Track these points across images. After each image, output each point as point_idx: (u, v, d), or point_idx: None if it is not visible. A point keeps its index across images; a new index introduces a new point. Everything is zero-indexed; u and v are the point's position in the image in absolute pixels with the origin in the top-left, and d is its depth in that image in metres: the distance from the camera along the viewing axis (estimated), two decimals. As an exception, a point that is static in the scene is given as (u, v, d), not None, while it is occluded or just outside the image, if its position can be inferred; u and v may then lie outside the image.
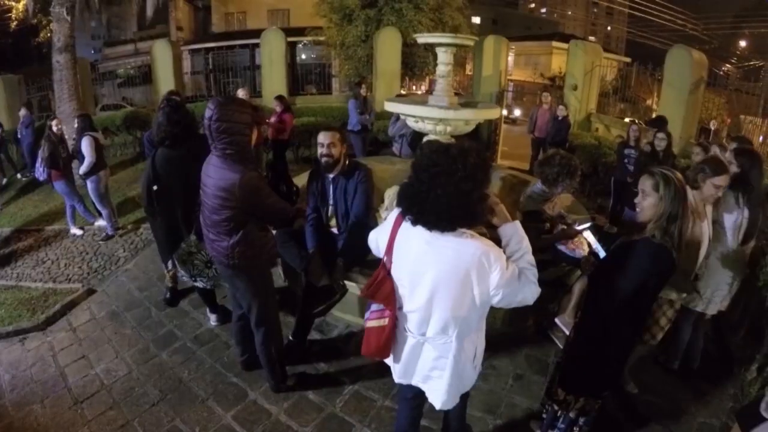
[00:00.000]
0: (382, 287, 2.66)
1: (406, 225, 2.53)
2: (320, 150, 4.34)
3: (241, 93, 8.54)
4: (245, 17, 35.44)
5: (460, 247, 2.37)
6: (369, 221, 4.47)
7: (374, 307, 2.75)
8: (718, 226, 4.22)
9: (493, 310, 2.78)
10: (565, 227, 4.59)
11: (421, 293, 2.51)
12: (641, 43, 42.38)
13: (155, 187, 4.53)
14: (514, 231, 2.55)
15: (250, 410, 4.01)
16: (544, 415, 3.69)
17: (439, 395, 2.80)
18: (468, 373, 2.81)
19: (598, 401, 3.39)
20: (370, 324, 2.76)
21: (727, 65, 34.64)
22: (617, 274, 2.89)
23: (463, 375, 2.77)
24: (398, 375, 2.90)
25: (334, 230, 4.66)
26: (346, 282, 4.56)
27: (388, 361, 2.92)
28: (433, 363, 2.72)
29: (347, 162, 4.49)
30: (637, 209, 2.94)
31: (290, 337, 4.63)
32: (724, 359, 4.80)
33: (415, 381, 2.86)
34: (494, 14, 51.96)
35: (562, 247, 4.34)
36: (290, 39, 16.34)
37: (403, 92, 15.50)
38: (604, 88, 16.61)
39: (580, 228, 4.18)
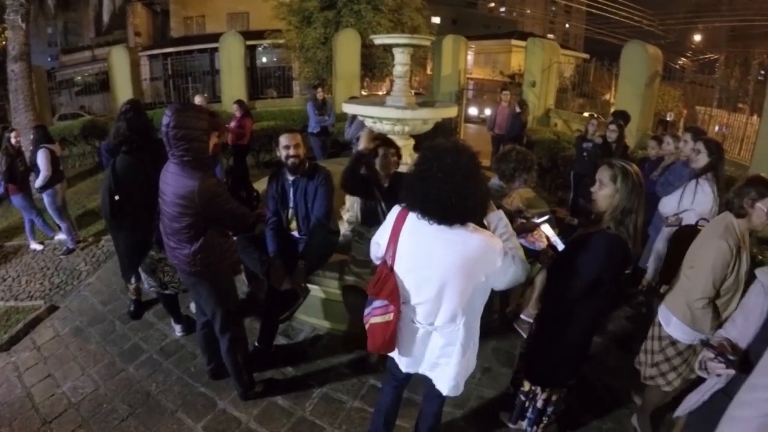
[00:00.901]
0: (386, 284, 2.72)
1: (412, 220, 2.61)
2: (285, 152, 4.32)
3: (198, 99, 8.45)
4: (204, 21, 34.91)
5: (467, 240, 2.49)
6: (330, 223, 4.50)
7: (377, 303, 2.78)
8: (692, 213, 4.42)
9: None
10: (524, 221, 4.66)
11: (431, 286, 2.61)
12: (599, 40, 43.01)
13: (116, 197, 4.39)
14: (499, 218, 2.73)
15: (220, 419, 3.97)
16: (511, 408, 3.77)
17: (446, 381, 2.90)
18: (472, 356, 2.96)
19: (563, 390, 3.49)
20: (374, 320, 2.80)
21: (683, 59, 35.32)
22: (574, 266, 2.96)
23: (469, 359, 2.92)
24: (405, 366, 2.99)
25: (295, 233, 4.64)
26: (309, 285, 4.58)
27: (393, 354, 2.99)
28: (441, 351, 2.82)
29: (307, 164, 4.49)
30: (593, 198, 3.01)
31: (256, 344, 4.61)
32: None
33: (423, 369, 2.96)
34: (454, 14, 52.10)
35: (522, 241, 4.43)
36: (250, 42, 16.20)
37: (364, 93, 15.54)
38: (562, 84, 16.88)
39: (538, 221, 4.26)
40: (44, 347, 5.00)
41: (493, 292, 2.81)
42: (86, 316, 5.48)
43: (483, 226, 2.65)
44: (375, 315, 2.78)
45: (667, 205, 4.56)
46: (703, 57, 35.39)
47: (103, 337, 5.05)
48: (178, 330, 5.04)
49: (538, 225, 4.28)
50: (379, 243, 2.83)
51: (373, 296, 2.80)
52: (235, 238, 4.41)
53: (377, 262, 2.90)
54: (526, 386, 3.51)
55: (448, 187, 2.38)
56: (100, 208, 4.52)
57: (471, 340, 2.87)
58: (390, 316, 2.72)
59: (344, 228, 5.54)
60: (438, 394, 3.12)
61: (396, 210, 2.72)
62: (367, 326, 2.84)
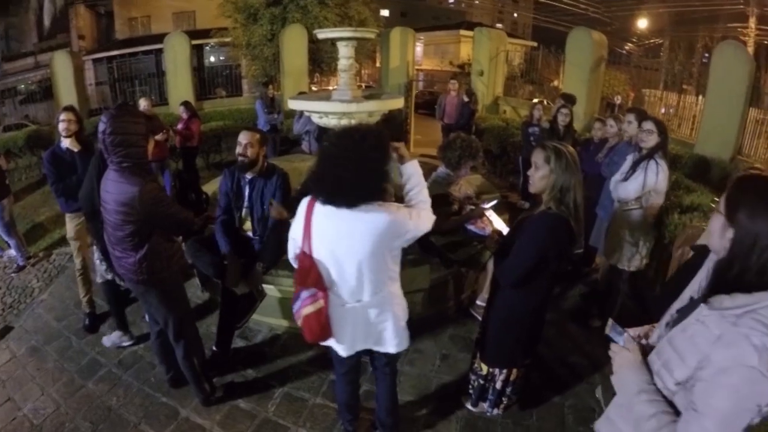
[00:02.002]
0: (310, 273, 2.76)
1: (319, 208, 2.68)
2: (238, 149, 4.27)
3: (143, 103, 8.22)
4: (150, 21, 34.16)
5: (374, 218, 2.57)
6: (286, 225, 4.46)
7: (305, 294, 2.79)
8: (653, 192, 4.55)
9: (412, 296, 2.95)
10: (473, 207, 4.70)
11: (349, 268, 2.71)
12: (547, 28, 43.54)
13: None
14: (414, 169, 2.87)
15: (183, 428, 3.91)
16: (471, 391, 3.83)
17: (390, 342, 3.02)
18: (404, 306, 3.07)
19: (521, 370, 3.57)
20: (307, 311, 2.79)
21: (629, 44, 36.03)
22: (518, 247, 3.02)
23: (402, 311, 3.04)
24: (345, 350, 3.03)
25: (249, 234, 4.56)
26: (265, 285, 4.55)
27: (330, 343, 3.03)
28: (377, 319, 2.93)
29: (265, 164, 4.43)
30: (530, 181, 3.08)
31: (214, 348, 4.55)
32: (643, 314, 5.11)
33: (364, 345, 3.04)
34: (403, 7, 52.24)
35: (471, 227, 4.47)
36: (196, 42, 15.95)
37: (314, 89, 15.46)
38: (511, 72, 17.07)
39: (485, 206, 4.30)
40: (1, 370, 4.83)
41: (446, 282, 2.86)
42: (41, 334, 5.30)
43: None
44: (306, 305, 2.80)
45: (630, 190, 4.63)
46: (649, 42, 36.17)
47: (60, 355, 4.90)
48: (126, 340, 4.88)
49: (484, 210, 4.33)
50: (294, 238, 2.89)
51: (300, 285, 2.81)
52: (185, 242, 4.36)
53: (294, 262, 2.96)
54: (484, 369, 3.57)
55: (339, 171, 2.48)
56: (84, 203, 4.32)
57: (399, 298, 3.02)
58: (321, 303, 2.77)
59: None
60: (386, 372, 3.30)
61: (305, 200, 2.78)
62: (300, 321, 2.85)
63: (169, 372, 4.22)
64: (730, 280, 1.57)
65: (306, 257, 2.79)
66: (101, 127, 3.14)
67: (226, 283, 4.28)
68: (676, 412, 1.72)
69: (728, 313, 1.57)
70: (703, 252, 2.72)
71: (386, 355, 3.15)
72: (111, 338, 4.82)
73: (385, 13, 42.67)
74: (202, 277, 5.10)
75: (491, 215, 4.05)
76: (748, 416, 1.52)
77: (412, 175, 2.87)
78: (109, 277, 4.65)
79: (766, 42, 27.09)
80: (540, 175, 2.97)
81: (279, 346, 4.83)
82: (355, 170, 2.47)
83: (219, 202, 4.59)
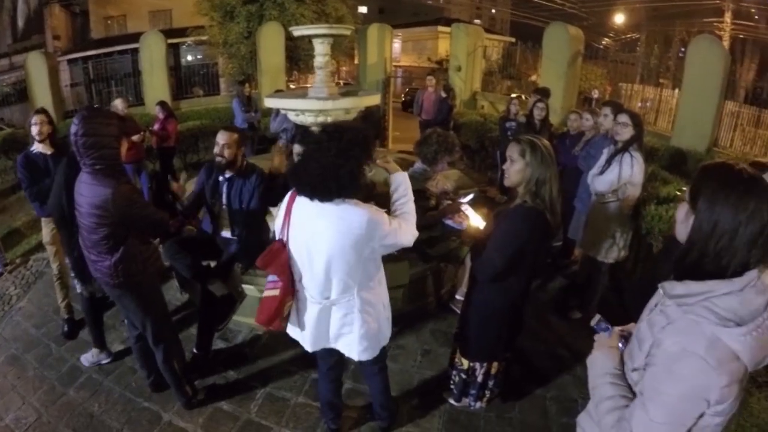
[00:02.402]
0: (277, 258, 2.83)
1: (299, 199, 2.74)
2: (215, 149, 4.24)
3: (119, 103, 8.12)
4: (126, 20, 33.52)
5: (347, 215, 2.60)
6: (264, 224, 4.44)
7: (271, 278, 2.91)
8: (629, 185, 4.60)
9: (392, 292, 2.98)
10: (450, 202, 4.71)
11: (319, 262, 2.73)
12: (525, 24, 43.61)
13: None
14: (403, 179, 2.92)
15: (167, 432, 3.90)
16: (453, 386, 3.84)
17: (354, 347, 3.03)
18: (382, 322, 3.08)
19: (502, 363, 3.59)
20: (267, 294, 2.92)
21: (606, 39, 36.32)
22: (494, 241, 3.03)
23: (378, 324, 3.04)
24: (310, 344, 3.08)
25: (226, 234, 4.51)
26: (244, 286, 4.53)
27: (296, 334, 3.11)
28: (341, 321, 2.95)
29: (244, 164, 4.38)
30: (506, 175, 3.09)
31: (194, 350, 4.51)
32: (623, 305, 5.18)
33: (329, 344, 3.08)
34: (381, 3, 52.18)
35: (449, 222, 4.49)
36: (172, 41, 15.82)
37: (292, 87, 15.40)
38: (489, 67, 17.13)
39: (462, 201, 4.31)
40: (-18, 381, 4.77)
41: (426, 277, 2.89)
42: (21, 342, 5.21)
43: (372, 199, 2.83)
44: (269, 288, 2.91)
45: (605, 182, 4.68)
46: (625, 37, 36.49)
47: (40, 363, 4.81)
48: (88, 359, 4.72)
49: (461, 205, 4.34)
50: (277, 226, 2.95)
51: (261, 268, 2.89)
52: (162, 244, 4.32)
53: None
54: (465, 364, 3.58)
55: (312, 164, 2.54)
56: (52, 210, 4.24)
57: (371, 307, 2.97)
58: (277, 292, 2.84)
59: (273, 225, 5.48)
60: (374, 370, 3.34)
61: (290, 192, 2.85)
62: (261, 299, 2.95)
63: (150, 376, 4.17)
64: (688, 266, 1.56)
65: (278, 243, 2.87)
66: (73, 129, 3.10)
67: (209, 286, 4.26)
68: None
69: (682, 301, 1.56)
70: (673, 242, 2.76)
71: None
72: (88, 357, 4.72)
73: (363, 9, 42.55)
74: (180, 279, 5.04)
75: (468, 210, 4.06)
76: (695, 408, 1.51)
77: (400, 185, 2.91)
78: (86, 294, 4.60)
79: (741, 36, 27.50)
80: (515, 168, 2.98)
81: (260, 347, 4.81)
82: (326, 163, 2.52)
83: (194, 189, 4.55)
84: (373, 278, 2.95)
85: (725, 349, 1.46)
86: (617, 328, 2.16)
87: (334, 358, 3.28)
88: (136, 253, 3.46)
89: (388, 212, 2.82)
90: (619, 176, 4.57)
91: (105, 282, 3.52)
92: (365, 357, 3.08)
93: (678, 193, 2.34)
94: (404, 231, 2.76)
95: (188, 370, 4.11)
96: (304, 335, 3.07)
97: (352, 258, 2.71)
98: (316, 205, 2.61)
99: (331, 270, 2.74)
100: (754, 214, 1.44)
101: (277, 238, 2.95)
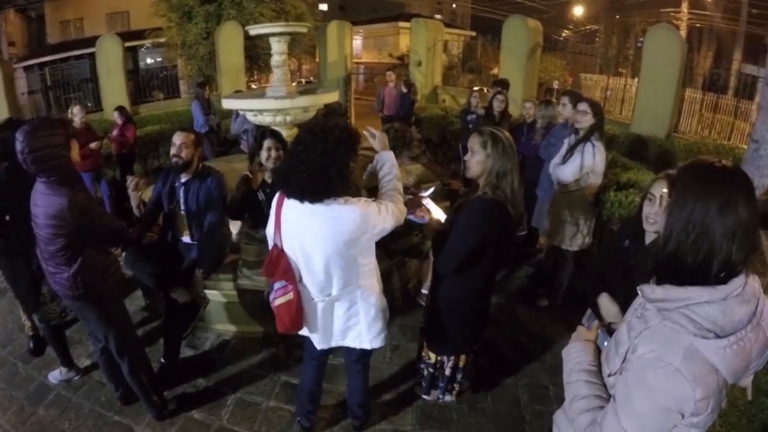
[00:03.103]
0: (279, 264, 2.81)
1: (287, 202, 2.72)
2: (171, 150, 4.14)
3: (76, 111, 7.85)
4: (83, 24, 32.70)
5: (339, 213, 2.59)
6: (224, 228, 4.37)
7: (277, 285, 2.87)
8: (591, 173, 4.67)
9: None
10: (411, 197, 4.71)
11: (317, 262, 2.74)
12: (485, 17, 43.88)
13: (7, 218, 4.02)
14: (388, 157, 3.01)
15: (138, 445, 3.81)
16: (421, 380, 3.84)
17: (364, 337, 3.07)
18: (382, 302, 3.10)
19: (469, 356, 3.59)
20: (278, 302, 2.87)
21: (566, 31, 36.74)
22: (455, 234, 3.04)
23: (379, 305, 3.05)
24: (319, 342, 3.11)
25: (186, 239, 4.42)
26: (207, 291, 4.47)
27: (305, 332, 3.10)
28: (347, 314, 2.99)
29: (200, 167, 4.30)
30: (467, 166, 3.09)
31: (162, 360, 4.43)
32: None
33: (336, 341, 3.11)
34: (342, 0, 52.10)
35: (410, 216, 4.48)
36: (131, 43, 15.57)
37: (254, 87, 15.28)
38: (451, 61, 17.22)
39: (423, 194, 4.31)
40: (-52, 404, 4.62)
41: (391, 272, 2.89)
42: (-14, 362, 5.09)
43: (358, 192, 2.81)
44: (278, 297, 2.87)
45: (568, 173, 4.71)
46: (585, 28, 36.97)
47: (7, 382, 4.66)
48: (55, 377, 4.57)
49: (421, 199, 4.34)
50: (269, 232, 2.92)
51: (267, 276, 2.91)
52: (124, 253, 4.23)
53: None
54: (432, 358, 3.58)
55: (303, 166, 2.51)
56: None
57: (372, 292, 3.01)
58: (291, 295, 2.84)
59: (235, 229, 5.40)
60: (357, 368, 3.37)
61: (277, 195, 2.81)
62: (274, 309, 2.91)
63: (118, 389, 4.07)
64: (668, 264, 1.49)
65: (275, 248, 2.84)
66: (18, 146, 3.00)
67: (172, 293, 4.18)
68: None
69: (661, 306, 1.50)
70: (627, 234, 2.80)
71: (360, 350, 3.18)
72: (56, 375, 4.59)
73: (323, 7, 42.42)
74: (144, 287, 4.94)
75: (429, 204, 4.05)
76: (668, 420, 1.46)
77: (386, 162, 3.00)
78: (38, 323, 4.49)
79: (698, 25, 28.04)
80: (476, 160, 2.99)
81: (228, 352, 4.74)
82: (313, 165, 2.52)
83: (148, 204, 4.43)
84: (370, 264, 2.98)
85: (703, 361, 1.40)
86: (597, 322, 2.15)
87: (325, 353, 3.30)
88: (94, 264, 3.38)
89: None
90: (581, 165, 4.61)
91: (65, 294, 3.43)
92: (377, 344, 3.10)
93: (650, 195, 2.31)
94: (391, 213, 2.78)
95: (157, 381, 4.03)
96: (312, 334, 3.10)
97: (349, 253, 2.74)
98: (307, 206, 2.60)
99: (330, 268, 2.76)
100: (727, 205, 1.38)
101: (270, 244, 2.93)
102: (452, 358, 3.53)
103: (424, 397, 3.91)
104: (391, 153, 3.00)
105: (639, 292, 1.60)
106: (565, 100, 5.47)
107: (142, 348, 4.01)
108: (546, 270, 5.54)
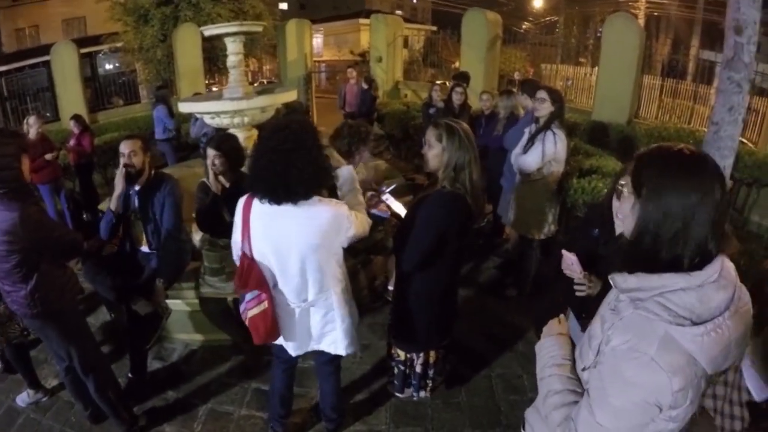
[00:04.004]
0: (252, 274, 2.74)
1: (258, 206, 2.65)
2: (122, 160, 3.96)
3: (32, 121, 7.62)
4: (38, 31, 32.06)
5: (314, 214, 2.59)
6: (182, 235, 4.26)
7: (249, 296, 2.78)
8: (553, 162, 4.67)
9: None
10: (373, 193, 4.69)
11: (292, 264, 2.70)
12: (445, 12, 44.07)
13: None
14: (348, 172, 3.06)
15: (111, 464, 3.71)
16: (393, 378, 3.79)
17: (339, 344, 3.03)
18: (354, 308, 3.10)
19: (439, 351, 3.57)
20: (252, 313, 2.79)
21: (526, 23, 37.09)
22: (415, 230, 3.00)
23: (352, 312, 3.05)
24: (294, 349, 3.06)
25: (145, 249, 4.27)
26: (169, 301, 4.39)
27: (279, 341, 3.02)
28: (323, 320, 2.95)
29: (152, 173, 4.16)
30: (425, 159, 3.10)
31: (129, 375, 4.33)
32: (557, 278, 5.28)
33: (312, 346, 3.06)
34: (302, -2, 52.12)
35: (374, 211, 4.46)
36: (86, 50, 15.27)
37: (215, 89, 15.14)
38: (412, 56, 17.25)
39: (383, 189, 4.28)
40: None
41: (357, 271, 2.88)
42: (-48, 388, 4.89)
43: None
44: (251, 308, 2.79)
45: (530, 162, 4.71)
46: (545, 20, 37.38)
47: None
48: (23, 399, 4.39)
49: (381, 195, 4.32)
50: (235, 240, 2.84)
51: (239, 288, 2.81)
52: (83, 266, 4.12)
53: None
54: (401, 355, 3.54)
55: (273, 167, 2.47)
56: None
57: (345, 296, 2.99)
58: (265, 304, 2.78)
59: (197, 237, 5.30)
60: (329, 370, 3.34)
61: (241, 201, 2.76)
62: (246, 322, 2.84)
63: (87, 408, 3.94)
64: (641, 255, 1.43)
65: (245, 257, 2.77)
66: None
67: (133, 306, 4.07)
68: None
69: (634, 295, 1.44)
70: (595, 222, 2.79)
71: (333, 354, 3.15)
72: (24, 398, 4.45)
73: (283, 6, 42.23)
74: (107, 301, 4.81)
75: (389, 200, 4.04)
76: (644, 414, 1.39)
77: (347, 179, 3.03)
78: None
79: (656, 14, 28.50)
80: (433, 153, 2.98)
81: (197, 362, 4.65)
82: (279, 164, 2.47)
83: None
84: (343, 275, 2.96)
85: (679, 350, 1.34)
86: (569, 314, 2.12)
87: (295, 358, 3.23)
88: (51, 279, 3.28)
89: None
90: (543, 154, 4.61)
91: (23, 313, 3.32)
92: (351, 350, 3.08)
93: (619, 187, 2.25)
94: (361, 222, 2.81)
95: (125, 396, 3.93)
96: (287, 342, 3.02)
97: (323, 255, 2.72)
98: (278, 208, 2.56)
99: (306, 271, 2.73)
100: (706, 195, 1.33)
101: (237, 253, 2.86)
102: (422, 354, 3.50)
103: (398, 395, 3.87)
104: (350, 168, 3.05)
105: (611, 282, 1.54)
106: (525, 89, 5.53)
107: (108, 364, 3.91)
108: (513, 259, 5.57)
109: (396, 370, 3.68)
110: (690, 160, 1.38)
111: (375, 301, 5.31)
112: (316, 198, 2.60)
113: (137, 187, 4.08)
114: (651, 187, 1.39)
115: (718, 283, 1.36)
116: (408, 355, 3.52)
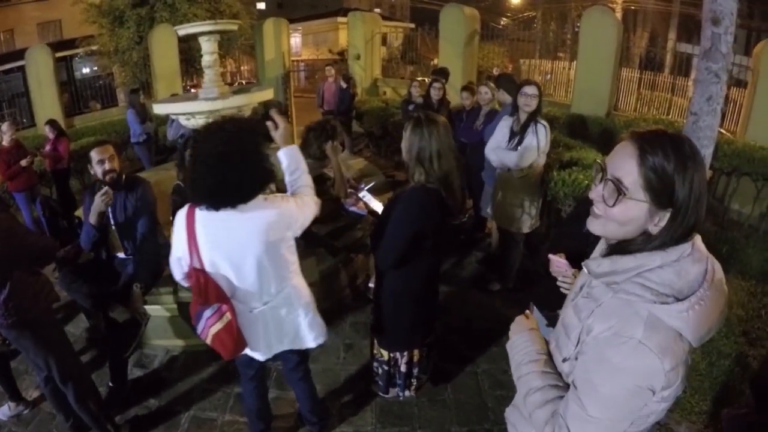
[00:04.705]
0: (208, 287, 2.57)
1: (202, 215, 2.52)
2: (101, 168, 3.87)
3: (4, 128, 7.51)
4: (13, 36, 31.51)
5: (261, 214, 2.52)
6: (158, 238, 4.19)
7: (207, 312, 2.62)
8: (542, 154, 4.70)
9: None
10: (351, 191, 4.65)
11: (249, 269, 2.62)
12: (423, 9, 44.12)
13: None
14: (292, 153, 2.87)
15: (94, 475, 3.64)
16: (377, 378, 3.74)
17: (307, 337, 2.98)
18: (310, 298, 3.02)
19: (423, 349, 3.51)
20: (215, 329, 2.63)
21: (505, 19, 37.22)
22: (390, 228, 2.95)
23: (313, 305, 3.01)
24: (262, 355, 2.97)
25: (121, 254, 4.22)
26: (148, 307, 4.32)
27: (245, 351, 2.91)
28: (286, 318, 2.87)
29: (124, 177, 4.10)
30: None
31: (110, 384, 4.24)
32: (539, 271, 5.29)
33: (279, 348, 2.97)
34: (279, -2, 51.86)
35: (353, 208, 4.42)
36: (62, 53, 15.06)
37: (194, 90, 15.04)
38: (391, 53, 17.22)
39: (361, 187, 4.25)
40: None
41: (338, 270, 2.80)
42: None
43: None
44: (212, 324, 2.64)
45: (527, 157, 4.68)
46: (522, 15, 37.56)
47: None
48: (4, 413, 4.27)
49: (358, 193, 4.29)
50: (179, 257, 2.68)
51: (201, 306, 2.63)
52: (59, 273, 4.04)
53: (185, 282, 2.81)
54: (385, 355, 3.49)
55: (210, 172, 2.37)
56: None
57: (303, 289, 2.97)
58: (228, 316, 2.63)
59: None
60: (298, 375, 3.29)
61: (182, 212, 2.62)
62: (209, 340, 2.68)
63: (68, 419, 3.85)
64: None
65: (199, 273, 2.58)
66: None
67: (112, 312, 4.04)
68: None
69: (610, 279, 1.41)
70: (583, 204, 2.75)
71: (298, 353, 3.12)
72: (5, 411, 4.36)
73: (261, 6, 42.10)
74: (85, 310, 4.73)
75: (366, 197, 4.01)
76: (638, 399, 1.35)
77: (291, 160, 2.86)
78: None
79: (633, 8, 28.72)
80: (402, 145, 2.99)
81: (178, 368, 4.58)
82: (237, 167, 2.38)
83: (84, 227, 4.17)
84: (295, 263, 2.91)
85: (666, 329, 1.32)
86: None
87: (257, 365, 3.15)
88: (25, 288, 3.21)
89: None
90: (538, 148, 4.62)
91: None
92: (320, 340, 3.02)
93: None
94: (308, 206, 2.75)
95: (106, 406, 3.86)
96: (254, 348, 2.91)
97: (277, 252, 2.68)
98: (224, 213, 2.45)
99: (263, 272, 2.66)
100: (698, 168, 1.32)
101: (182, 269, 2.72)
102: (405, 353, 3.44)
103: (383, 395, 3.81)
104: (293, 147, 2.89)
105: (584, 269, 1.52)
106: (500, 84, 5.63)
107: (87, 373, 3.83)
108: (496, 253, 5.58)
109: (380, 371, 3.63)
110: (684, 141, 1.36)
111: (357, 300, 5.26)
112: (260, 197, 2.54)
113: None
114: (678, 167, 1.32)
115: (692, 256, 1.36)
116: (392, 355, 3.46)
